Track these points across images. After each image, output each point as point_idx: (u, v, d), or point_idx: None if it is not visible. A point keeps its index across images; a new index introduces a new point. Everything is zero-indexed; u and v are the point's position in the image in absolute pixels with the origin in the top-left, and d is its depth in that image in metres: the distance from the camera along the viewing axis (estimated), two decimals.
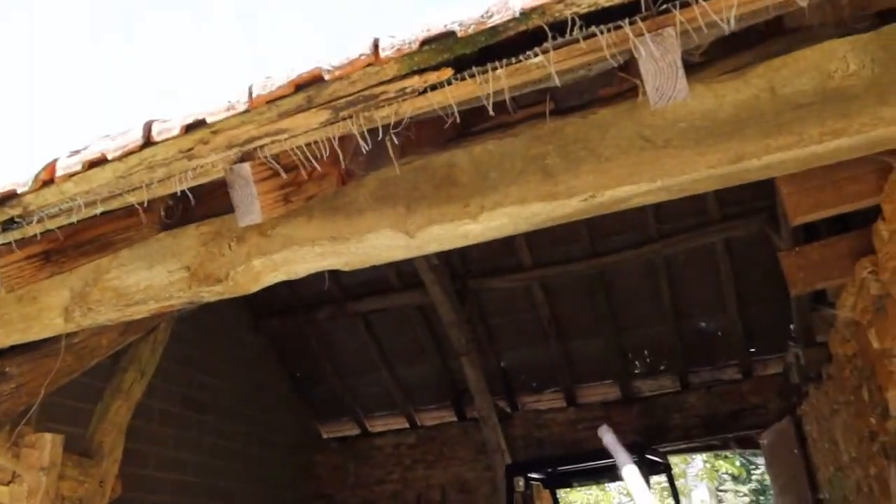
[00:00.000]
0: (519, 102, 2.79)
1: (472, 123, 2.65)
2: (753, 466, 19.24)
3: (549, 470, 6.08)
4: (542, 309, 8.14)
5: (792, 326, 7.09)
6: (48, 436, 2.82)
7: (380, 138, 2.06)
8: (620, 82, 1.99)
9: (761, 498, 19.79)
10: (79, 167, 1.79)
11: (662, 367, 8.28)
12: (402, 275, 8.25)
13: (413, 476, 9.00)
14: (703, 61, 2.31)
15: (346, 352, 9.05)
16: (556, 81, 1.59)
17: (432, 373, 8.96)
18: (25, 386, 2.92)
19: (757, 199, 6.73)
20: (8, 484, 2.69)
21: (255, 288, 2.44)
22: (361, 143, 1.69)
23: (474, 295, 8.20)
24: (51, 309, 2.65)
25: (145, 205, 2.26)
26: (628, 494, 17.75)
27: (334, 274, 8.52)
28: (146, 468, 6.43)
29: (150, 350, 3.61)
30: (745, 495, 19.71)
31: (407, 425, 9.37)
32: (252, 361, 8.59)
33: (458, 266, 8.09)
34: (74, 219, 1.99)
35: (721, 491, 19.73)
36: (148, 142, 1.72)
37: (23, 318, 2.71)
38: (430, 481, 8.84)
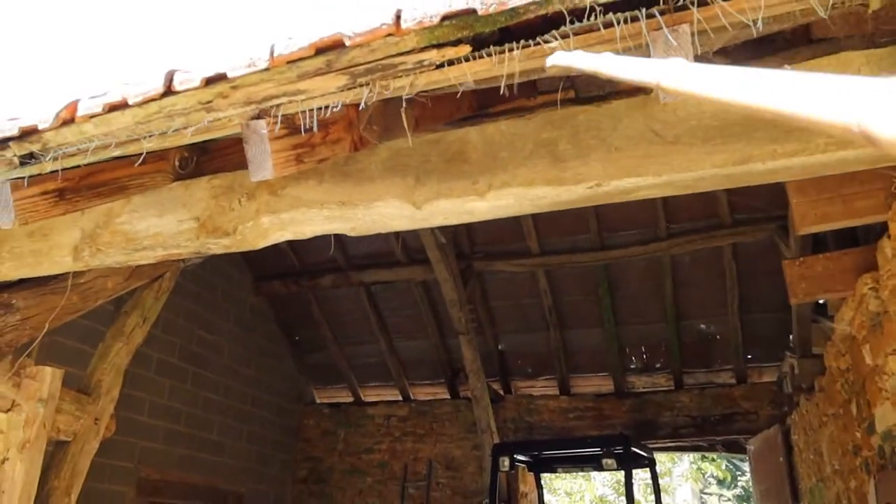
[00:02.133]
0: (540, 88, 2.82)
1: (490, 105, 2.68)
2: (740, 472, 19.33)
3: (536, 453, 6.17)
4: (544, 296, 8.19)
5: (790, 336, 7.11)
6: (48, 369, 2.89)
7: (394, 108, 2.10)
8: None
9: None
10: (99, 109, 1.83)
11: (658, 365, 8.33)
12: (408, 249, 8.30)
13: (402, 448, 9.11)
14: (725, 63, 2.33)
15: (346, 320, 9.14)
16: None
17: (429, 349, 9.05)
18: (30, 319, 2.99)
19: (769, 207, 6.72)
20: (7, 412, 2.77)
21: (261, 244, 2.48)
22: (371, 110, 1.71)
23: (478, 276, 8.25)
24: (61, 247, 2.71)
25: (161, 153, 2.31)
26: (613, 487, 17.90)
27: (340, 242, 8.58)
28: (140, 414, 6.55)
29: (154, 298, 3.67)
30: (729, 500, 19.82)
31: (400, 398, 9.48)
32: (252, 322, 8.70)
33: (465, 246, 8.13)
34: (91, 159, 2.04)
35: (705, 494, 19.85)
36: (169, 90, 1.76)
37: (33, 254, 2.77)
38: (417, 454, 8.96)
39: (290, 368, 9.45)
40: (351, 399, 9.69)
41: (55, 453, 3.12)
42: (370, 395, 9.66)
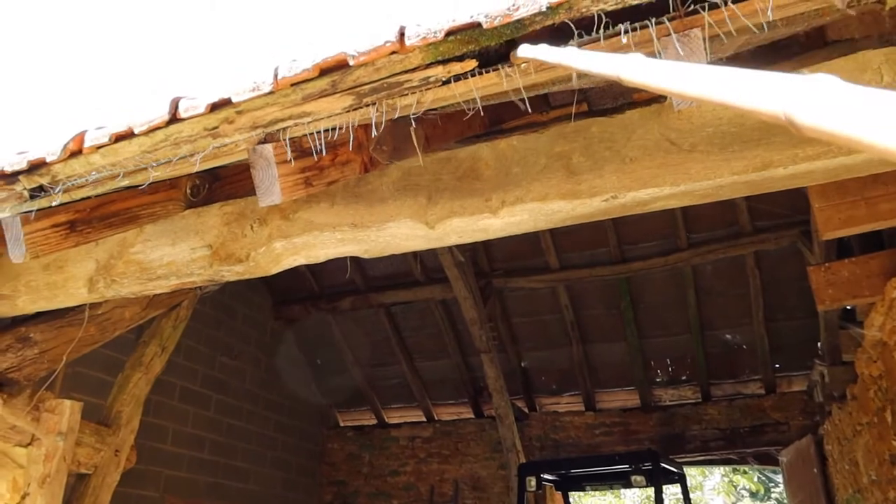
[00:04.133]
0: (553, 102, 2.78)
1: (503, 120, 2.65)
2: (773, 484, 18.92)
3: (563, 472, 6.06)
4: (565, 312, 8.11)
5: (819, 344, 6.95)
6: (67, 402, 2.88)
7: (403, 127, 2.07)
8: None
9: None
10: (106, 140, 1.82)
11: (684, 377, 8.19)
12: (426, 269, 8.27)
13: (427, 469, 9.02)
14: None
15: (367, 342, 9.11)
16: (574, 82, 1.58)
17: (452, 368, 8.98)
18: (48, 352, 2.99)
19: (791, 213, 6.61)
20: (27, 446, 2.76)
21: (274, 270, 2.46)
22: (380, 130, 1.69)
23: (498, 293, 8.19)
24: (76, 279, 2.70)
25: (172, 181, 2.30)
26: None
27: (359, 265, 8.56)
28: (165, 443, 6.54)
29: (172, 326, 3.67)
30: None
31: (424, 419, 9.40)
32: (273, 347, 8.69)
33: (484, 264, 8.09)
34: (100, 190, 2.03)
35: None
36: (174, 118, 1.75)
37: (49, 286, 2.77)
38: (443, 475, 8.86)
39: (312, 392, 9.41)
40: (374, 421, 9.63)
41: (76, 486, 3.10)
42: (394, 417, 9.59)
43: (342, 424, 9.77)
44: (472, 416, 9.16)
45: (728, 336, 7.85)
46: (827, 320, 6.37)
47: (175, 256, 2.55)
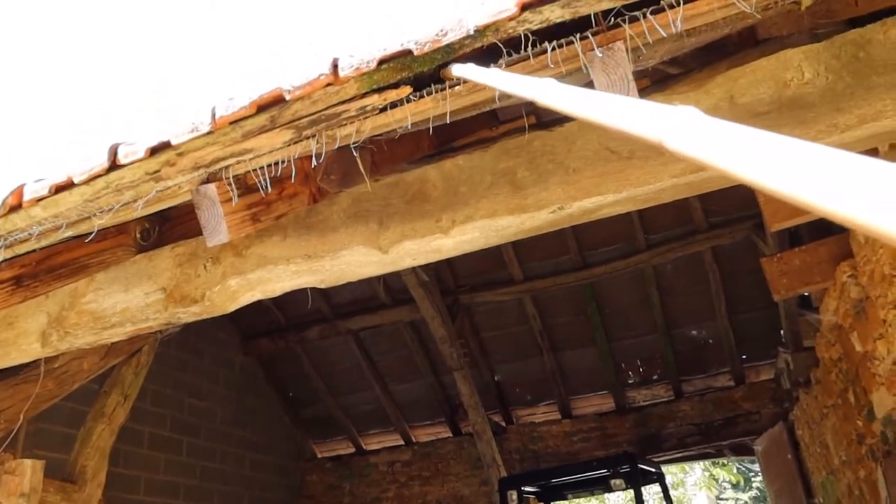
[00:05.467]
0: (501, 117, 2.83)
1: (453, 138, 2.68)
2: (753, 474, 19.16)
3: (543, 483, 6.07)
4: (533, 322, 8.16)
5: (781, 332, 7.11)
6: (28, 462, 2.80)
7: (350, 155, 2.09)
8: None
9: None
10: (46, 192, 1.80)
11: (655, 377, 8.28)
12: (391, 291, 8.25)
13: (409, 493, 8.95)
14: (678, 73, 2.35)
15: (338, 370, 9.04)
16: (497, 103, 1.62)
17: (426, 389, 8.95)
18: (5, 412, 2.91)
19: (743, 207, 6.77)
20: None
21: (232, 307, 2.44)
22: (322, 161, 1.70)
23: (465, 310, 8.20)
24: (28, 334, 2.65)
25: (119, 227, 2.27)
26: None
27: (324, 293, 8.49)
28: (137, 493, 6.39)
29: (133, 373, 3.60)
30: (746, 503, 19.62)
31: (402, 442, 9.33)
32: (242, 383, 8.57)
33: (449, 281, 8.10)
34: (44, 243, 2.00)
35: (721, 500, 19.62)
36: (114, 164, 1.74)
37: (0, 344, 2.71)
38: (426, 498, 8.80)
39: (286, 426, 9.29)
40: (352, 450, 9.53)
41: None
42: (371, 443, 9.51)
43: (319, 456, 9.64)
44: (450, 434, 9.13)
45: (694, 332, 7.98)
46: (786, 309, 6.53)
47: (129, 303, 2.51)
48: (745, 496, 19.77)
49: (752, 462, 18.19)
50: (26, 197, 1.84)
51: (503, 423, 8.82)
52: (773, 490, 8.13)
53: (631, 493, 16.57)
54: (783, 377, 7.19)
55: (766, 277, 4.61)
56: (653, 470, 5.75)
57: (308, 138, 1.72)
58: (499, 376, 8.78)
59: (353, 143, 1.77)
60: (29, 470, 2.82)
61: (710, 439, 8.07)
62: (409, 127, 1.69)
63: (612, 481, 5.47)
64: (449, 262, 7.92)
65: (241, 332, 8.72)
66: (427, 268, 7.53)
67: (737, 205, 6.78)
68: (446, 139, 2.60)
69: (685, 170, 1.94)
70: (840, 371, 4.67)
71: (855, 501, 5.00)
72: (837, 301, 4.16)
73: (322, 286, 2.38)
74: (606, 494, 16.73)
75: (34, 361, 2.97)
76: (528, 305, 8.08)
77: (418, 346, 8.60)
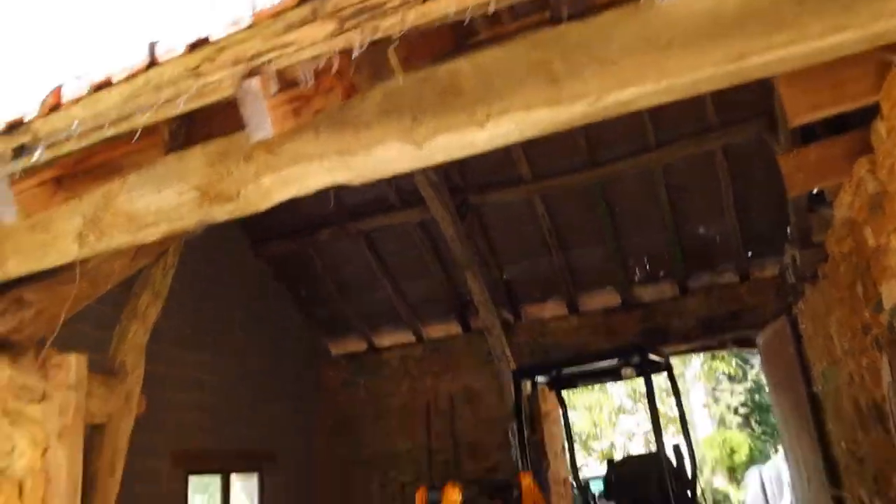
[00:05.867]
0: (516, 14, 2.76)
1: (469, 36, 2.64)
2: (749, 366, 19.81)
3: (554, 373, 6.31)
4: (542, 220, 8.21)
5: (789, 229, 7.17)
6: (72, 356, 2.92)
7: (381, 50, 2.06)
8: None
9: (756, 396, 20.49)
10: (85, 91, 1.80)
11: (662, 274, 8.42)
12: (401, 192, 8.28)
13: (422, 387, 9.28)
14: None
15: (349, 271, 9.19)
16: None
17: (436, 287, 9.12)
18: (44, 312, 3.00)
19: (754, 104, 6.68)
20: (40, 402, 2.81)
21: (265, 205, 2.47)
22: (361, 53, 1.68)
23: (475, 209, 8.25)
24: (65, 235, 2.69)
25: (150, 127, 2.27)
26: (629, 396, 18.35)
27: (335, 194, 8.52)
28: (165, 390, 6.64)
29: (162, 274, 3.68)
30: (741, 394, 20.37)
31: (413, 339, 9.60)
32: (257, 285, 8.74)
33: (458, 181, 8.11)
34: (83, 143, 2.01)
35: (717, 391, 20.37)
36: (153, 62, 1.73)
37: (37, 246, 2.76)
38: (438, 391, 9.12)
39: (301, 326, 9.54)
40: (365, 347, 9.81)
41: (93, 436, 3.18)
42: (384, 341, 9.78)
43: (334, 354, 9.95)
44: (461, 331, 9.37)
45: (702, 230, 8.04)
46: (796, 205, 6.57)
47: (162, 203, 2.54)
48: (740, 387, 20.50)
49: (750, 356, 18.74)
50: (65, 97, 1.84)
51: (512, 320, 9.04)
52: (772, 381, 8.44)
53: (633, 383, 17.19)
54: (788, 272, 7.30)
55: (780, 175, 4.61)
56: (661, 360, 5.96)
57: (350, 30, 1.70)
58: (507, 274, 8.91)
59: (396, 35, 1.75)
60: (74, 363, 2.94)
61: (714, 333, 8.30)
62: (452, 16, 1.67)
63: (623, 370, 5.69)
64: (459, 162, 7.89)
65: (251, 237, 8.81)
66: (436, 168, 7.52)
67: (749, 100, 6.68)
68: (466, 34, 2.57)
69: (724, 58, 1.92)
70: (850, 265, 4.76)
71: (856, 388, 5.21)
72: (853, 196, 4.17)
73: (356, 182, 2.40)
74: (610, 385, 17.38)
75: (69, 264, 3.03)
76: (537, 204, 8.12)
77: (429, 246, 8.70)
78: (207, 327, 7.50)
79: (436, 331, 9.55)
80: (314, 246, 8.92)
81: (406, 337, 9.66)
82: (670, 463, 5.67)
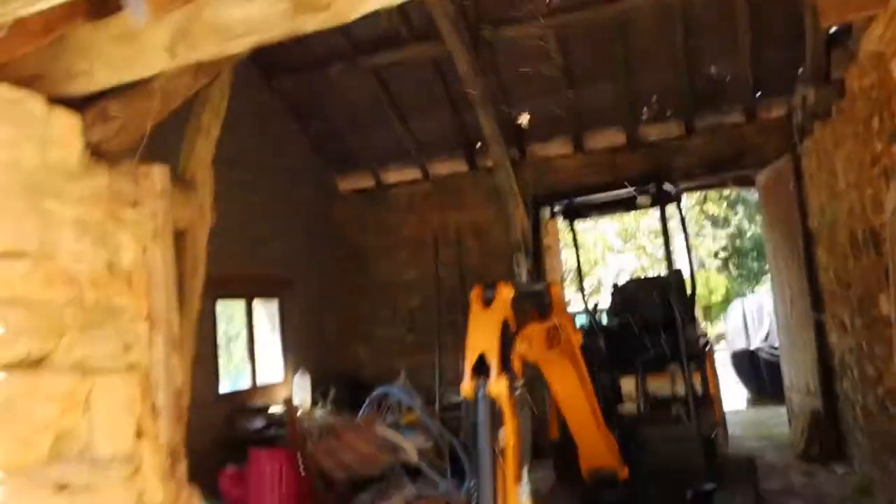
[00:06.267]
0: None
1: None
2: (734, 213, 20.50)
3: (574, 200, 6.61)
4: (555, 58, 8.18)
5: (801, 69, 7.26)
6: (156, 167, 3.09)
7: None
8: None
9: (737, 241, 21.38)
10: None
11: (669, 113, 8.54)
12: (413, 27, 8.15)
13: (428, 221, 9.58)
14: None
15: (359, 106, 9.21)
16: None
17: (444, 125, 9.21)
18: (127, 125, 3.15)
19: None
20: (134, 206, 3.03)
21: (354, 15, 2.55)
22: None
23: (488, 45, 8.17)
24: (153, 47, 2.78)
25: None
26: (620, 235, 19.03)
27: (344, 28, 8.38)
28: None
29: (220, 93, 3.79)
30: (723, 239, 21.20)
31: (420, 176, 9.81)
32: (269, 119, 8.78)
33: (472, 16, 7.97)
34: None
35: (700, 235, 21.13)
36: None
37: (124, 59, 2.84)
38: (445, 225, 9.43)
39: (311, 160, 9.69)
40: (374, 183, 10.03)
41: (177, 241, 3.44)
42: (392, 177, 9.98)
43: (343, 188, 10.18)
44: (468, 168, 9.57)
45: (713, 69, 8.07)
46: (814, 41, 6.65)
47: (253, 12, 2.62)
48: (722, 232, 21.29)
49: (741, 201, 19.35)
50: None
51: (517, 158, 9.21)
52: (768, 219, 8.87)
53: (625, 223, 17.77)
54: (796, 112, 7.49)
55: (800, 11, 4.67)
56: (673, 191, 6.28)
57: None
58: (516, 112, 8.94)
59: None
60: (159, 173, 3.14)
61: (717, 172, 8.58)
62: None
63: (640, 199, 6.00)
64: None
65: (262, 70, 8.72)
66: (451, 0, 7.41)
67: None
68: None
69: None
70: (869, 99, 4.95)
71: (855, 218, 5.58)
72: (885, 27, 4.28)
73: None
74: (604, 226, 17.98)
75: (143, 80, 3.13)
76: (550, 41, 8.05)
77: (440, 83, 8.69)
78: (224, 160, 7.59)
79: (442, 168, 9.74)
80: (324, 81, 8.87)
81: (413, 174, 9.85)
82: (671, 284, 6.17)
